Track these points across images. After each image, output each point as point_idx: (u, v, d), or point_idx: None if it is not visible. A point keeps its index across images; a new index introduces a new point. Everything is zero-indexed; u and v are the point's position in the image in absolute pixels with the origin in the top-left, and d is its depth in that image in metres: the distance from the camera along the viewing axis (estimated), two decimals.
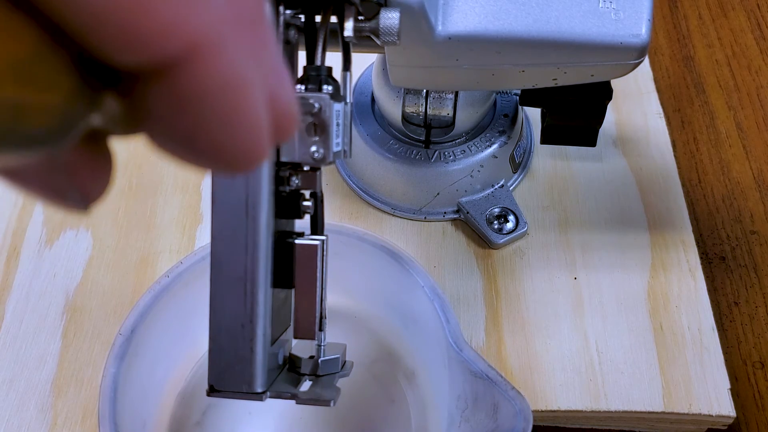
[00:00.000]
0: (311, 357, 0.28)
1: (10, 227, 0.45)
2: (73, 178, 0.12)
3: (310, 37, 0.27)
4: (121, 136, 0.13)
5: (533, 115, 0.49)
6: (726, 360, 0.38)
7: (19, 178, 0.12)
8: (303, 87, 0.26)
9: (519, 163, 0.47)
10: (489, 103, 0.44)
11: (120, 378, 0.33)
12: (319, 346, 0.28)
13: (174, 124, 0.11)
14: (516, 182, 0.46)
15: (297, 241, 0.26)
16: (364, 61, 0.47)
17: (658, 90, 0.52)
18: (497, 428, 0.30)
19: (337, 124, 0.25)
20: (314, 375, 0.28)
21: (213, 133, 0.11)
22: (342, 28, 0.27)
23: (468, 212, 0.44)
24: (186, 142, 0.11)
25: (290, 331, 0.27)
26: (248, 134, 0.12)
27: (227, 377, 0.25)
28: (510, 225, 0.44)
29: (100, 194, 0.13)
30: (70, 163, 0.12)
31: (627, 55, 0.34)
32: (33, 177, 0.12)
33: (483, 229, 0.43)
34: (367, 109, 0.47)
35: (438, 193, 0.44)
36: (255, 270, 0.25)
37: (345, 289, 0.39)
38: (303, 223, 0.27)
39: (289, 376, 0.27)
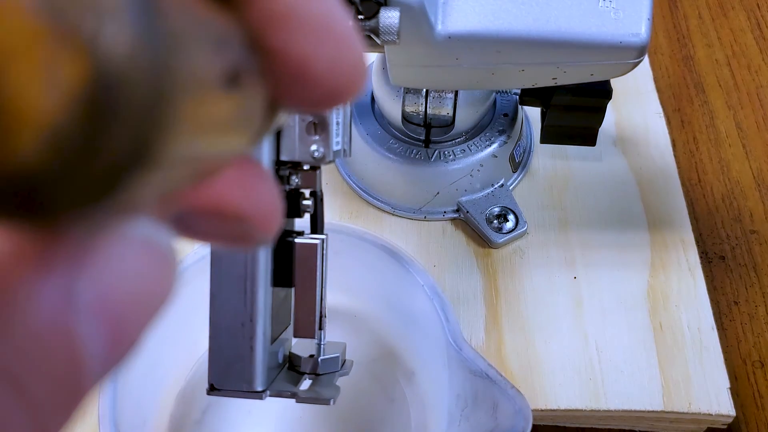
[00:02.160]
0: (311, 356, 0.28)
1: None
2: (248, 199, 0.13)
3: None
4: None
5: (533, 114, 0.49)
6: (726, 359, 0.38)
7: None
8: None
9: (519, 163, 0.47)
10: (489, 102, 0.44)
11: (120, 378, 0.33)
12: (319, 344, 0.28)
13: (290, 48, 0.12)
14: (516, 182, 0.46)
15: (297, 240, 0.26)
16: None
17: (658, 89, 0.52)
18: (497, 427, 0.30)
19: (337, 123, 0.25)
20: (314, 374, 0.28)
21: (323, 49, 0.12)
22: None
23: (468, 211, 0.44)
24: (300, 70, 0.12)
25: (290, 329, 0.27)
26: (351, 48, 0.12)
27: (227, 376, 0.25)
28: (510, 224, 0.44)
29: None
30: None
31: (627, 55, 0.34)
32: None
33: (483, 228, 0.43)
34: (367, 108, 0.47)
35: (438, 193, 0.44)
36: (255, 269, 0.25)
37: (345, 288, 0.39)
38: (303, 222, 0.27)
39: (288, 374, 0.27)
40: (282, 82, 0.12)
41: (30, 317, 0.09)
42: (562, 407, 0.37)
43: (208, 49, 0.09)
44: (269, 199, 0.13)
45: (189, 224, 0.12)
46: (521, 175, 0.47)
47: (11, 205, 0.08)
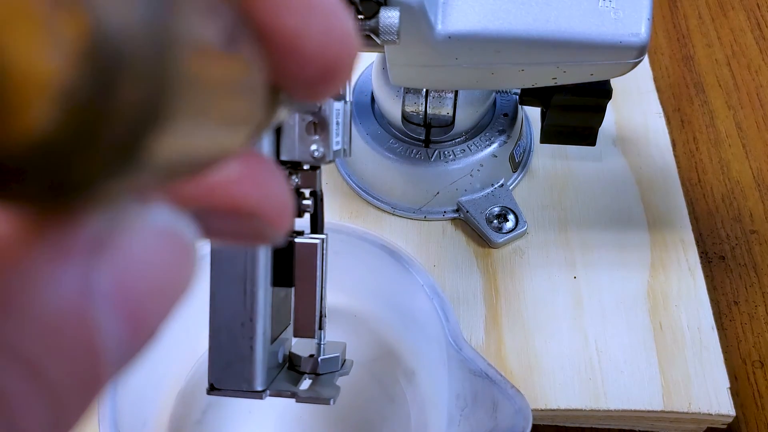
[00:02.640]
0: (311, 355, 0.28)
1: None
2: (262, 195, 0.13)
3: None
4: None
5: (533, 114, 0.49)
6: (725, 359, 0.38)
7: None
8: None
9: (519, 163, 0.47)
10: (489, 102, 0.44)
11: (120, 378, 0.33)
12: (319, 344, 0.28)
13: (278, 24, 0.11)
14: (516, 181, 0.46)
15: (297, 240, 0.26)
16: (364, 60, 0.47)
17: (658, 89, 0.52)
18: (496, 427, 0.30)
19: (337, 123, 0.25)
20: (314, 373, 0.28)
21: (312, 23, 0.12)
22: None
23: (468, 211, 0.44)
24: (292, 46, 0.12)
25: (290, 329, 0.27)
26: (339, 20, 0.12)
27: (227, 376, 0.25)
28: (510, 224, 0.44)
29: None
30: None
31: (626, 55, 0.34)
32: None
33: (483, 228, 0.43)
34: (367, 108, 0.47)
35: (438, 192, 0.44)
36: (255, 268, 0.25)
37: (345, 288, 0.39)
38: (303, 222, 0.27)
39: (288, 374, 0.27)
40: (275, 60, 0.12)
41: (46, 303, 0.09)
42: (562, 407, 0.37)
43: (202, 8, 0.10)
44: (281, 195, 0.14)
45: (205, 224, 0.12)
46: (521, 175, 0.47)
47: (30, 182, 0.07)
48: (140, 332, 0.10)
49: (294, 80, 0.12)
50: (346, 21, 0.12)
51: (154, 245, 0.10)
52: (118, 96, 0.07)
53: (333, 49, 0.12)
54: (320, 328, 0.27)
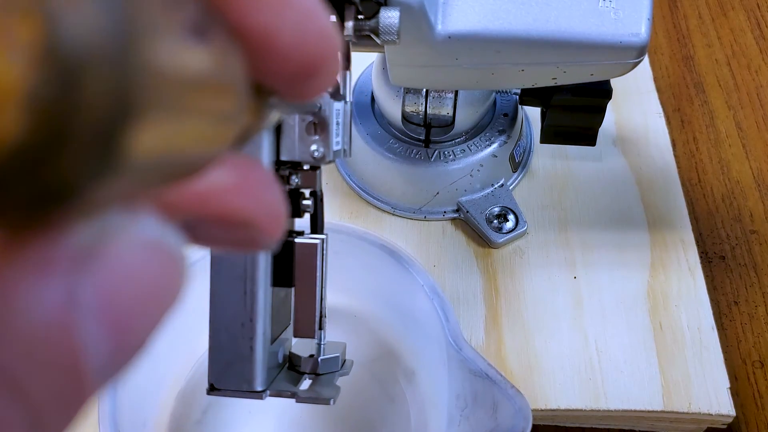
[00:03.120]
0: (311, 356, 0.28)
1: None
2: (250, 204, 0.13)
3: None
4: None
5: (533, 114, 0.49)
6: (725, 359, 0.38)
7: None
8: None
9: (519, 163, 0.47)
10: (489, 102, 0.44)
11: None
12: (319, 344, 0.28)
13: (250, 21, 0.11)
14: (516, 181, 0.46)
15: (297, 240, 0.26)
16: (364, 60, 0.47)
17: (658, 89, 0.52)
18: (497, 427, 0.30)
19: (337, 123, 0.25)
20: (314, 374, 0.28)
21: (284, 19, 0.11)
22: (342, 27, 0.27)
23: (468, 211, 0.44)
24: (265, 43, 0.12)
25: (290, 329, 0.27)
26: (314, 16, 0.12)
27: (227, 376, 0.25)
28: (510, 224, 0.44)
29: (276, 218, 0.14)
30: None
31: (626, 55, 0.34)
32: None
33: (483, 228, 0.43)
34: (367, 108, 0.47)
35: (438, 193, 0.44)
36: (255, 268, 0.25)
37: (345, 288, 0.39)
38: (303, 222, 0.27)
39: (288, 374, 0.27)
40: (252, 57, 0.12)
41: (28, 317, 0.09)
42: (562, 407, 0.37)
43: (163, 1, 0.09)
44: (274, 203, 0.13)
45: (196, 232, 0.12)
46: (521, 175, 0.47)
47: (6, 193, 0.07)
48: (126, 346, 0.10)
49: (275, 78, 0.12)
50: (322, 18, 0.12)
51: (141, 257, 0.10)
52: (83, 95, 0.07)
53: (310, 46, 0.12)
54: (320, 328, 0.27)
